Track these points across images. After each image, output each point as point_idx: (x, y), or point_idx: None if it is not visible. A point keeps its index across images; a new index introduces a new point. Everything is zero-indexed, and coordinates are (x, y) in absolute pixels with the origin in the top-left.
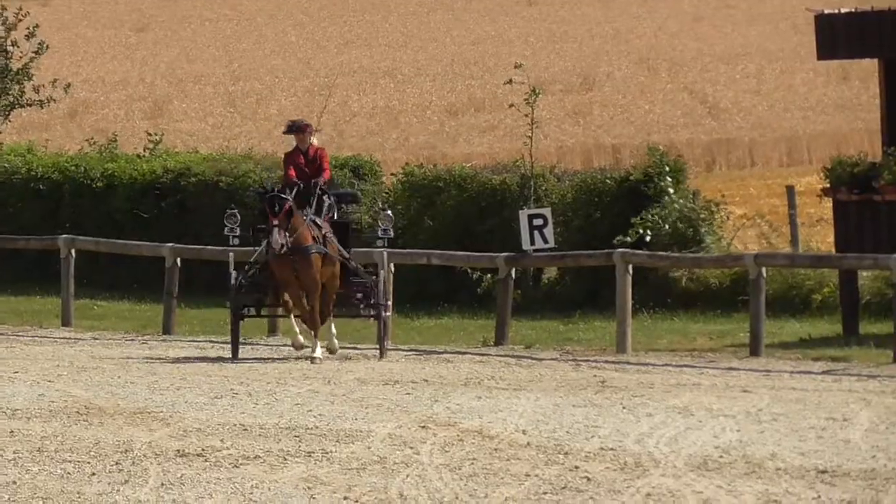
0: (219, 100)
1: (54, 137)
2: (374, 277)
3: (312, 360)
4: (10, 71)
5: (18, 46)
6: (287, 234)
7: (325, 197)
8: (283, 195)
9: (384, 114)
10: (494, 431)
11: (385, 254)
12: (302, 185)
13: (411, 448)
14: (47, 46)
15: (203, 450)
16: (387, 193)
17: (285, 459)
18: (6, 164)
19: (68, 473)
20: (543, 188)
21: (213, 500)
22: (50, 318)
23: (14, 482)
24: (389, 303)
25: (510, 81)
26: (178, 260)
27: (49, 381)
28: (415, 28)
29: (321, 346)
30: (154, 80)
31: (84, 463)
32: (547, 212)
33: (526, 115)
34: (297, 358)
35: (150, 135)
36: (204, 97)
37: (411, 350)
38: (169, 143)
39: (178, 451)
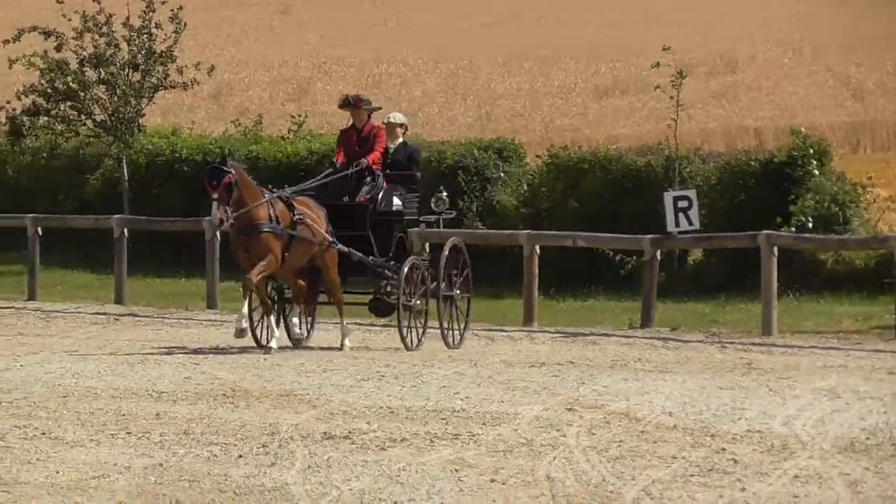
0: (362, 82)
1: (198, 119)
2: (394, 264)
3: (268, 350)
4: (154, 53)
5: (162, 28)
6: (229, 209)
7: (368, 178)
8: (223, 168)
9: (529, 96)
10: (641, 413)
11: (454, 237)
12: (335, 168)
13: (558, 430)
14: (185, 24)
15: (350, 432)
16: (531, 175)
17: (432, 442)
18: (151, 146)
19: (215, 456)
20: (688, 170)
21: (361, 482)
22: (195, 300)
23: (160, 464)
24: (457, 291)
25: (657, 65)
26: None
27: (195, 364)
28: (559, 9)
29: (277, 336)
30: (298, 63)
31: (230, 445)
32: (692, 194)
33: (671, 98)
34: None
35: (293, 117)
36: (347, 79)
37: (557, 332)
38: (312, 125)
39: (325, 433)
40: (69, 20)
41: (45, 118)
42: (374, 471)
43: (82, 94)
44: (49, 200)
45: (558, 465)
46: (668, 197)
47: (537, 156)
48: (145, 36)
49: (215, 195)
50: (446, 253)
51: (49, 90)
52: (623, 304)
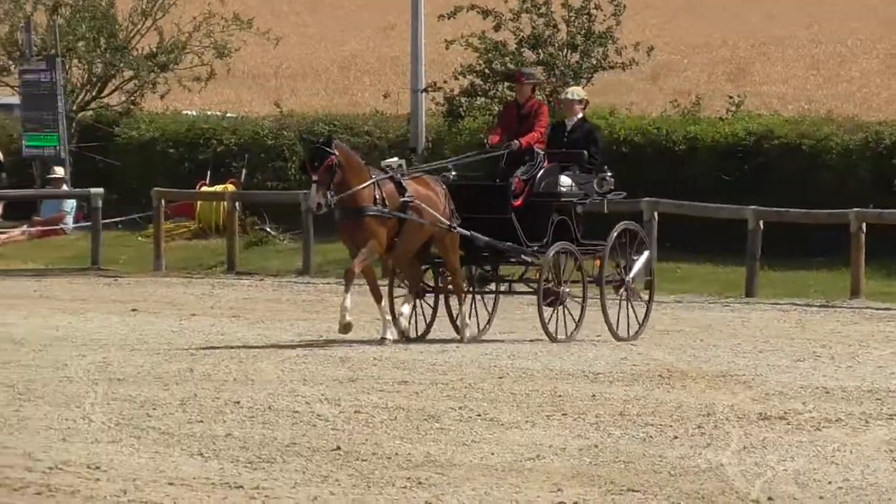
0: (801, 62)
1: (635, 100)
2: (538, 249)
3: (382, 341)
4: (593, 34)
5: (601, 9)
6: (330, 192)
7: (526, 157)
8: (327, 148)
9: None
10: None
11: (627, 221)
12: (485, 149)
13: None
14: (625, 6)
15: (785, 413)
16: None
17: (867, 422)
18: None
19: (650, 437)
20: None
21: (795, 462)
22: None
23: (596, 445)
24: (629, 279)
25: None
26: (761, 223)
27: (631, 345)
28: None
29: (391, 328)
30: (737, 43)
31: (666, 426)
32: None
33: None
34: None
35: (731, 97)
36: (786, 60)
37: None
38: (751, 106)
39: (760, 414)
40: (506, 1)
41: (483, 99)
42: (808, 451)
43: None
44: None
45: None
46: None
47: None
48: (585, 17)
49: (315, 177)
50: (613, 237)
51: (487, 71)
52: None
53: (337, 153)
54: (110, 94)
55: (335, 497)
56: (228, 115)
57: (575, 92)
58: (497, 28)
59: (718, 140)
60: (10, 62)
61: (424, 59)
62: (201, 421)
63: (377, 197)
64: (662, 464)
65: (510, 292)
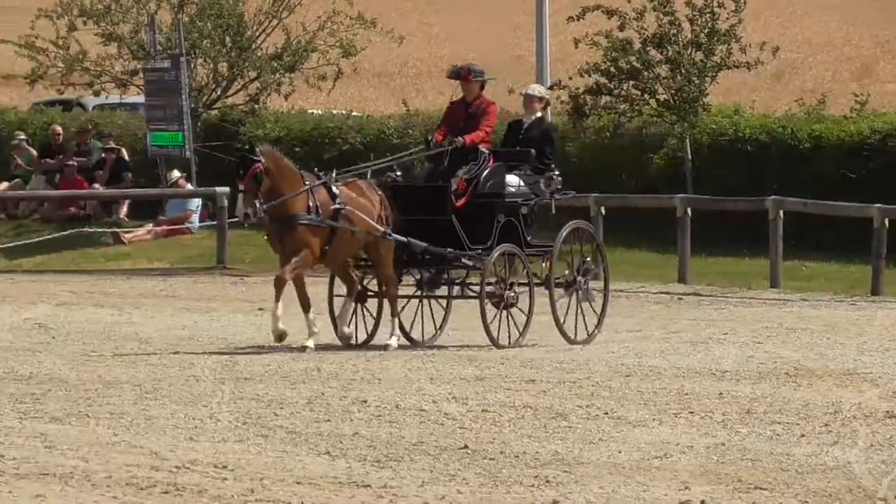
0: None
1: (760, 99)
2: (480, 252)
3: (303, 349)
4: (718, 32)
5: (725, 7)
6: (258, 201)
7: (470, 157)
8: (253, 156)
9: None
10: None
11: (578, 221)
12: (428, 146)
13: None
14: (745, 2)
15: None
16: None
17: None
18: (714, 126)
19: (777, 435)
20: None
21: None
22: (758, 279)
23: (722, 444)
24: (581, 279)
25: None
26: (886, 221)
27: (758, 343)
28: None
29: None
30: (861, 42)
31: (793, 424)
32: None
33: None
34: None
35: (856, 96)
36: None
37: None
38: (876, 104)
39: (887, 412)
40: (629, 0)
41: (608, 97)
42: None
43: (645, 73)
44: (611, 180)
45: None
46: None
47: None
48: (708, 15)
49: (241, 186)
50: (563, 235)
51: (612, 69)
52: None
53: (263, 160)
54: (235, 93)
55: (463, 496)
56: (354, 113)
57: (535, 88)
58: (622, 28)
59: (843, 138)
60: (136, 62)
61: (549, 58)
62: (328, 420)
63: (311, 205)
64: (789, 462)
65: (462, 296)
